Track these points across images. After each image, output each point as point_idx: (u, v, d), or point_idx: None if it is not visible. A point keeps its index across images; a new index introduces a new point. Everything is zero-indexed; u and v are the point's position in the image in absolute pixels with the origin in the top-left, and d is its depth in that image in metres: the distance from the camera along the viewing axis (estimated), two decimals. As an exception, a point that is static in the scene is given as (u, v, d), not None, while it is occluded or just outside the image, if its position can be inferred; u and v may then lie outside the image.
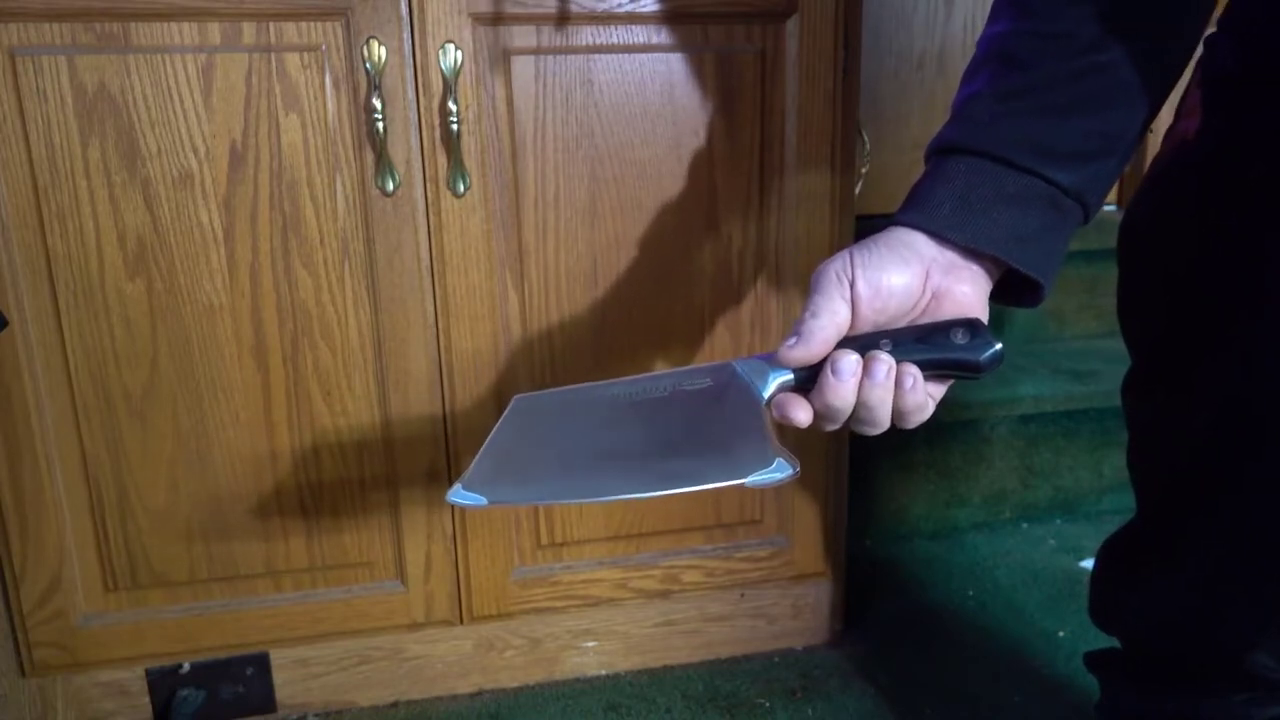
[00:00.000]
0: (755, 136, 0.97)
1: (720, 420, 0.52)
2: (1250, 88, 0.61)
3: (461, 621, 1.05)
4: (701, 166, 0.97)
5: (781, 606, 1.16)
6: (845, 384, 0.50)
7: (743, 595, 1.14)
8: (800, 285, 1.02)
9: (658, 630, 1.13)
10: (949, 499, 1.45)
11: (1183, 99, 0.68)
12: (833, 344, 0.51)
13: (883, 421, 0.51)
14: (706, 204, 0.98)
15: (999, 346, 0.51)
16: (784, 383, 0.52)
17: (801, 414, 0.51)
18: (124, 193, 0.87)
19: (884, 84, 1.61)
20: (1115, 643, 0.83)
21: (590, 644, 1.12)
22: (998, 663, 1.14)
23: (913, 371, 0.50)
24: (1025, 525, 1.49)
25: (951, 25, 1.61)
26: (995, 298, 0.55)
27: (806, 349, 0.51)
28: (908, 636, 1.20)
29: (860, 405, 0.50)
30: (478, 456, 0.53)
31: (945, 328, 0.51)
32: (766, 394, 0.52)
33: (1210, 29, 0.63)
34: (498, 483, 0.52)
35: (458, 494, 0.51)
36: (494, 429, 0.53)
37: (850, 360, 0.50)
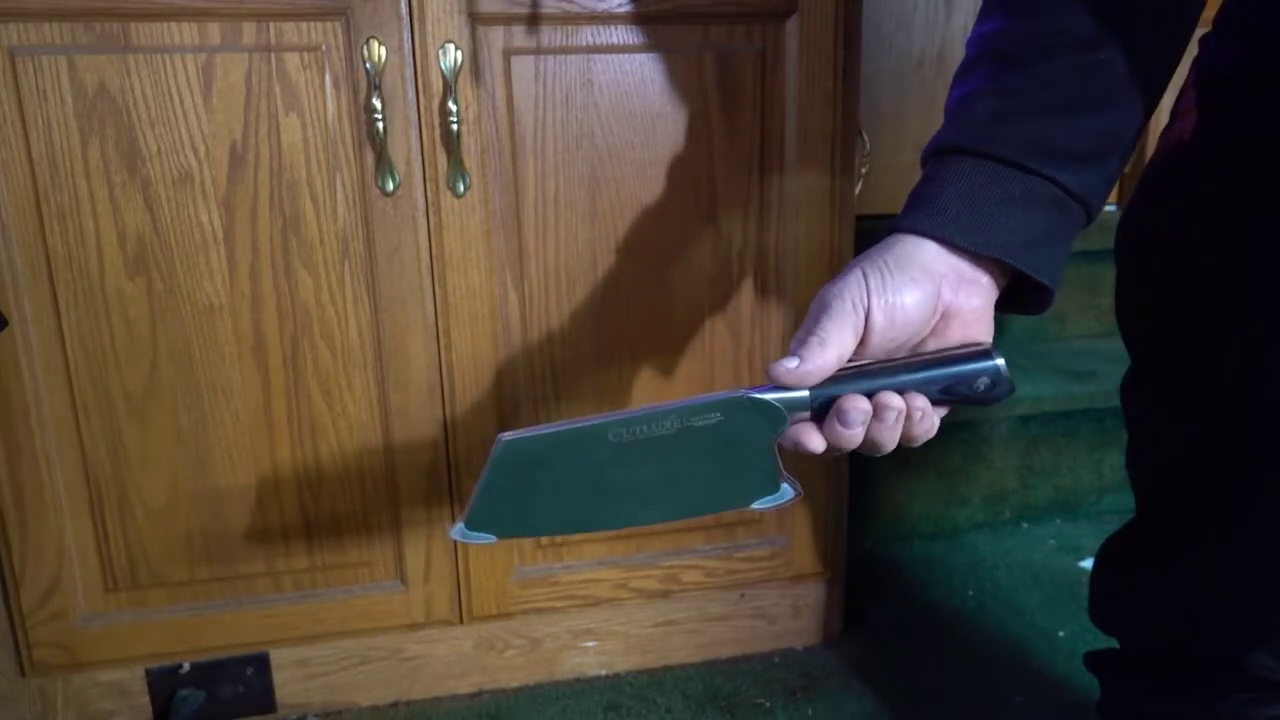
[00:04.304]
0: (755, 136, 0.97)
1: (731, 455, 0.51)
2: (1248, 85, 0.61)
3: (461, 621, 1.05)
4: (701, 166, 0.97)
5: (781, 606, 1.16)
6: (854, 430, 0.50)
7: (743, 595, 1.14)
8: (800, 284, 1.02)
9: (658, 630, 1.13)
10: (949, 499, 1.45)
11: (1178, 99, 0.68)
12: (831, 372, 0.50)
13: (888, 449, 0.51)
14: (706, 204, 0.98)
15: (1013, 387, 0.52)
16: (799, 416, 0.51)
17: (816, 442, 0.51)
18: (124, 193, 0.87)
19: (884, 84, 1.61)
20: (1115, 643, 0.83)
21: (590, 644, 1.12)
22: (998, 663, 1.14)
23: (922, 407, 0.50)
24: (1025, 525, 1.49)
25: (951, 25, 1.61)
26: (999, 306, 0.54)
27: (804, 377, 0.50)
28: (908, 636, 1.20)
29: (868, 441, 0.51)
30: (475, 496, 0.51)
31: (969, 378, 0.50)
32: (783, 428, 0.51)
33: (1204, 28, 0.63)
34: (501, 519, 0.52)
35: (461, 532, 0.51)
36: (485, 471, 0.51)
37: (860, 411, 0.49)
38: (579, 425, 0.51)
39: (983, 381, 0.51)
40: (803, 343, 0.50)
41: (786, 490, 0.51)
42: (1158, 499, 0.75)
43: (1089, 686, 0.98)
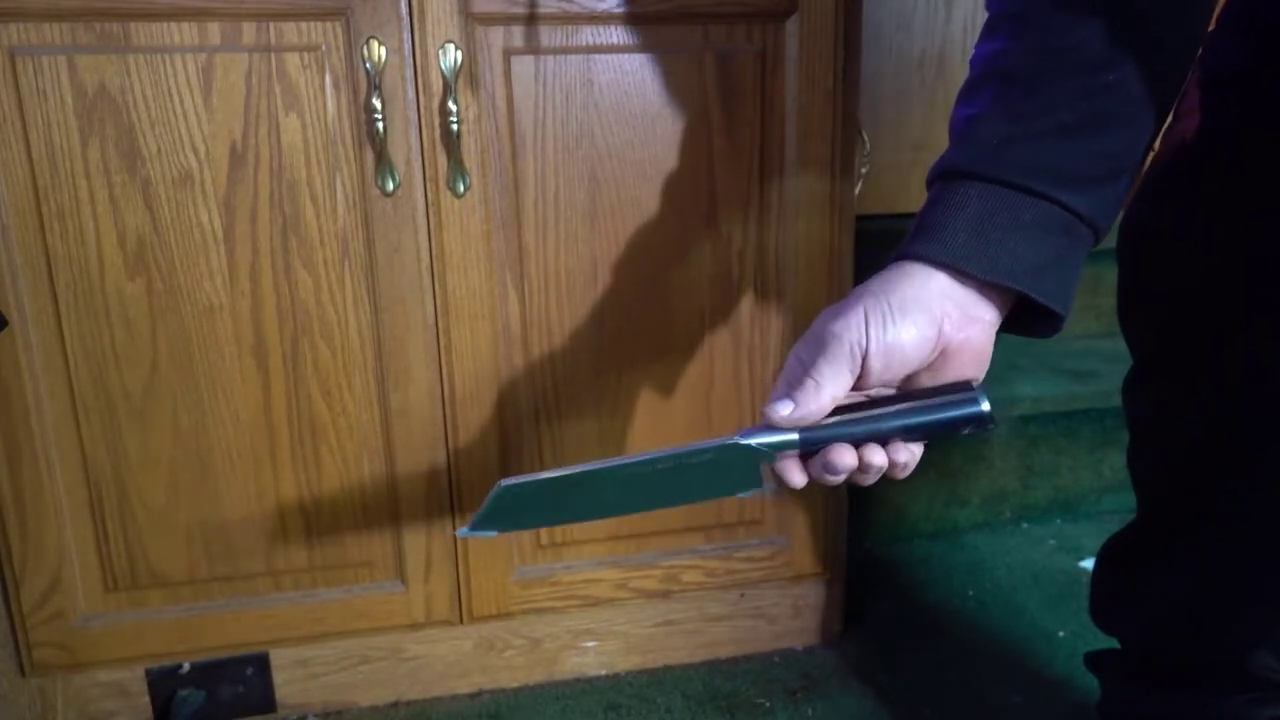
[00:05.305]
0: (755, 136, 0.97)
1: (721, 479, 0.54)
2: (1254, 80, 0.61)
3: (461, 621, 1.05)
4: (701, 166, 0.97)
5: (781, 606, 1.16)
6: (839, 478, 0.51)
7: (743, 595, 1.14)
8: (799, 284, 1.02)
9: (658, 630, 1.13)
10: (949, 499, 1.45)
11: (1181, 100, 0.68)
12: (826, 414, 0.51)
13: (870, 483, 0.53)
14: (706, 204, 0.98)
15: (996, 424, 0.54)
16: (787, 454, 0.53)
17: (799, 478, 0.53)
18: (124, 193, 0.87)
19: (884, 84, 1.61)
20: (1115, 643, 0.83)
21: (590, 644, 1.12)
22: (998, 663, 1.14)
23: (906, 461, 0.51)
24: (1025, 525, 1.49)
25: (951, 25, 1.61)
26: (1006, 328, 0.54)
27: (799, 421, 0.51)
28: (908, 636, 1.20)
29: (849, 480, 0.52)
30: (477, 514, 0.55)
31: (956, 423, 0.51)
32: (771, 464, 0.53)
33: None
34: (503, 518, 0.55)
35: (466, 531, 0.55)
36: (485, 503, 0.55)
37: (847, 466, 0.50)
38: (576, 471, 0.54)
39: (969, 429, 0.52)
40: (798, 383, 0.51)
41: (767, 485, 0.55)
42: (1160, 498, 0.75)
43: (1089, 686, 0.98)
